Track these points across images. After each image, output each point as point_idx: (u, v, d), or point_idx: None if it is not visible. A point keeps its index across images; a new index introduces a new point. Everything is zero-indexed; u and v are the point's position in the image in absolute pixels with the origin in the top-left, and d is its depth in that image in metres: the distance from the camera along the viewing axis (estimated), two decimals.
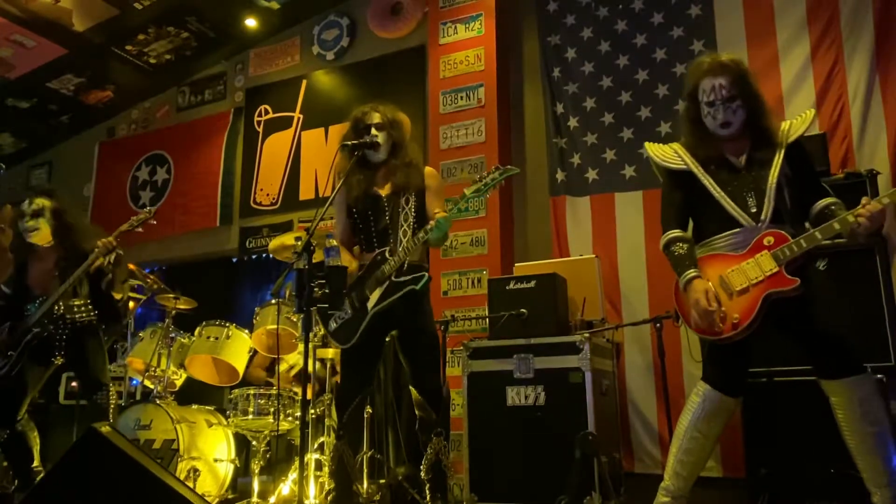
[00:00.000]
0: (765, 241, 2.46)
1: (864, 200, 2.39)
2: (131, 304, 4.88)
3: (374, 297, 2.99)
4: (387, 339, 3.23)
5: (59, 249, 3.76)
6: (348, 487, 3.16)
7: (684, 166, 2.63)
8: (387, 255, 3.01)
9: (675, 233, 2.61)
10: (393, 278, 2.96)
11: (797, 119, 2.63)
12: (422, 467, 3.00)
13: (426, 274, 2.96)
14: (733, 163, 2.59)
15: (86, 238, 3.76)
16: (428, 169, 3.21)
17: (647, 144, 2.78)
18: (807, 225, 2.55)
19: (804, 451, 3.14)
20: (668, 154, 2.70)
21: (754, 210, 2.49)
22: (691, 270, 2.51)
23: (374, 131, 3.10)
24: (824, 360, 2.42)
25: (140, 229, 3.74)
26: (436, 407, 3.00)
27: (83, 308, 3.69)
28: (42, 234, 3.75)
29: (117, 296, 3.82)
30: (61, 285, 3.61)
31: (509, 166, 2.92)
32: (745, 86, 2.57)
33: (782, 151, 2.54)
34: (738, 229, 2.51)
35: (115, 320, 3.83)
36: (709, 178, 2.58)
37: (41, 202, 3.80)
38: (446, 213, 2.87)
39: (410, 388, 3.05)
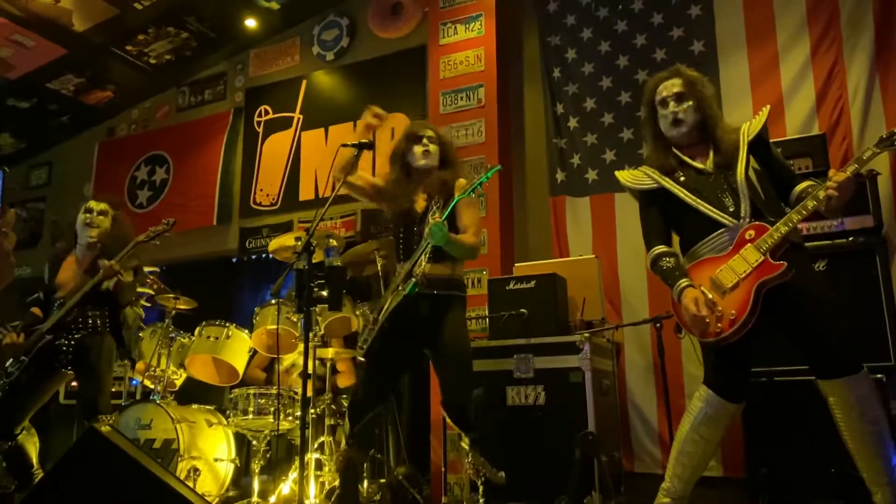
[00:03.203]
0: (746, 236, 2.50)
1: (830, 173, 2.44)
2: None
3: (385, 305, 3.01)
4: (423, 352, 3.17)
5: (95, 254, 3.77)
6: (355, 490, 3.16)
7: (655, 185, 2.70)
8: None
9: (660, 248, 2.67)
10: (400, 287, 2.96)
11: (756, 118, 2.69)
12: (469, 476, 3.00)
13: (413, 280, 2.88)
14: (700, 168, 2.65)
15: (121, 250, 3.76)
16: (459, 181, 3.07)
17: (617, 173, 2.87)
18: (786, 210, 2.58)
19: (804, 451, 3.14)
20: (638, 177, 2.78)
21: (732, 209, 2.54)
22: (682, 280, 2.56)
23: (425, 141, 3.14)
24: (821, 360, 2.43)
25: (157, 242, 3.75)
26: (463, 421, 2.97)
27: (98, 317, 3.70)
28: (98, 231, 3.80)
29: (122, 319, 3.81)
30: (75, 297, 3.61)
31: (492, 165, 2.91)
32: (698, 91, 2.67)
33: (745, 148, 2.61)
34: (721, 230, 2.55)
35: (119, 340, 3.82)
36: (681, 189, 2.64)
37: (106, 206, 3.89)
38: (438, 220, 2.80)
39: (441, 403, 3.03)
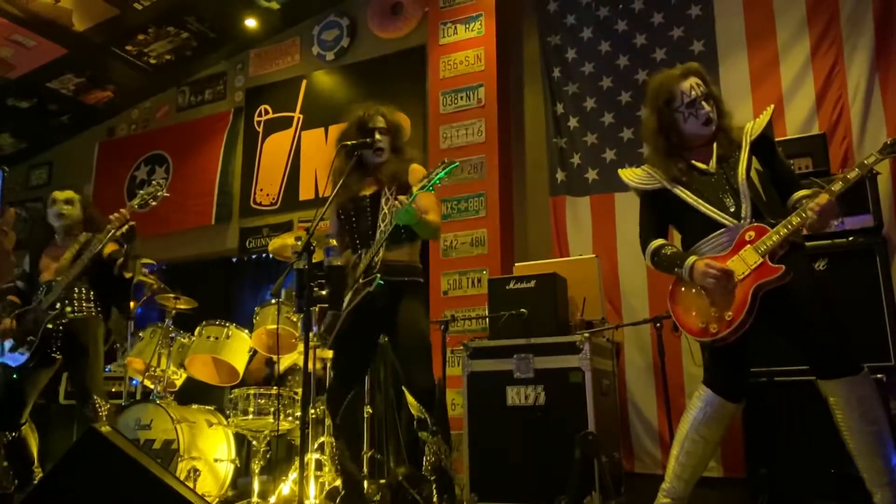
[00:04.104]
0: (746, 237, 2.50)
1: (814, 191, 2.45)
2: (132, 303, 4.88)
3: (347, 298, 2.98)
4: (382, 341, 3.20)
5: (77, 240, 3.77)
6: (357, 489, 3.16)
7: (658, 185, 2.70)
8: (362, 256, 3.00)
9: (658, 241, 2.69)
10: (361, 280, 2.94)
11: (759, 117, 2.69)
12: (424, 469, 3.00)
13: (377, 276, 2.87)
14: (703, 168, 2.65)
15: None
16: (413, 166, 3.12)
17: (620, 171, 2.86)
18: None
19: (804, 451, 3.14)
20: (641, 176, 2.77)
21: (733, 209, 2.54)
22: (691, 257, 2.56)
23: (378, 136, 3.08)
24: (821, 361, 2.42)
25: (154, 202, 3.68)
26: (428, 406, 2.95)
27: (83, 299, 3.68)
28: (72, 217, 3.82)
29: (128, 275, 3.79)
30: (72, 269, 3.62)
31: (451, 160, 2.88)
32: (714, 89, 2.70)
33: (747, 148, 2.61)
34: (721, 230, 2.55)
35: (124, 301, 3.81)
36: (683, 189, 2.64)
37: (71, 194, 3.90)
38: (403, 199, 2.81)
39: (403, 388, 3.04)
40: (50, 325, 3.60)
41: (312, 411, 3.96)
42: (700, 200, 2.59)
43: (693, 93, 2.65)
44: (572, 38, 5.21)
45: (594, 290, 4.03)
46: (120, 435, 2.44)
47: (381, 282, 2.86)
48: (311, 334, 3.59)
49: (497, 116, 5.09)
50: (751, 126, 2.66)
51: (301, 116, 6.29)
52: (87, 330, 3.66)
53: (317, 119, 6.19)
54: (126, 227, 3.60)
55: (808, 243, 3.03)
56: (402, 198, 2.85)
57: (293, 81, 6.40)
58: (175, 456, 3.94)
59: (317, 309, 3.61)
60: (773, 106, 2.76)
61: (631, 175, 2.80)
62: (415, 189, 2.84)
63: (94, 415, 3.51)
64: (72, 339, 3.62)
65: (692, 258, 2.56)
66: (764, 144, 2.64)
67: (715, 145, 2.67)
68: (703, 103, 2.64)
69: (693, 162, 2.67)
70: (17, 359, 3.62)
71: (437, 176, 2.79)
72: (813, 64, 4.38)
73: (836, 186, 2.41)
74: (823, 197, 2.40)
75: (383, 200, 3.00)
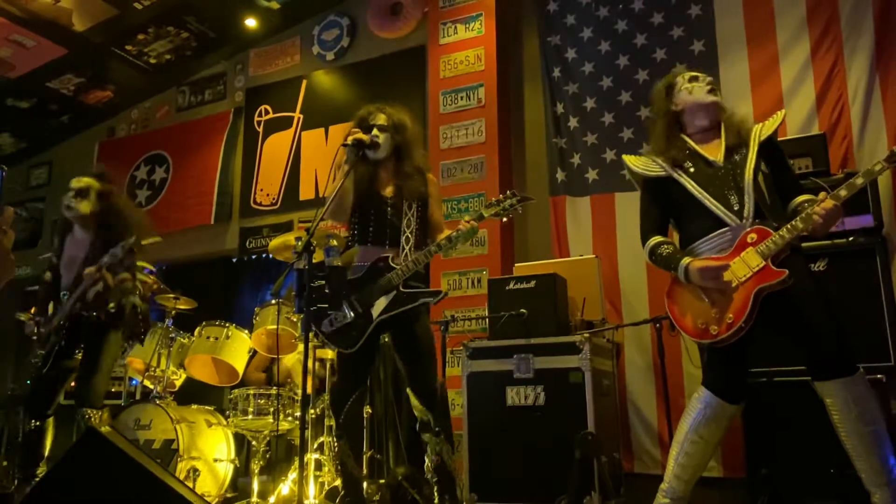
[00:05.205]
0: (748, 239, 2.49)
1: (821, 195, 2.46)
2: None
3: (380, 305, 2.97)
4: (385, 340, 3.22)
5: (95, 236, 3.76)
6: (357, 489, 3.16)
7: (663, 172, 2.69)
8: (391, 262, 2.99)
9: (657, 238, 2.68)
10: (401, 288, 2.96)
11: (769, 120, 2.70)
12: (427, 469, 3.01)
13: (442, 291, 3.05)
14: (711, 160, 2.63)
15: (126, 229, 3.70)
16: (429, 176, 3.23)
17: (624, 157, 2.87)
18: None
19: (804, 451, 3.14)
20: (645, 163, 2.76)
21: (737, 207, 2.54)
22: (685, 259, 2.56)
23: (375, 132, 3.10)
24: (816, 362, 2.43)
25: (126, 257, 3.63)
26: (431, 407, 2.99)
27: (98, 300, 3.68)
28: (79, 211, 3.76)
29: (140, 303, 3.82)
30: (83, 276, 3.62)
31: (527, 195, 3.04)
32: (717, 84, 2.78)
33: (755, 149, 2.61)
34: (724, 229, 2.54)
35: (133, 330, 3.83)
36: (689, 179, 2.62)
37: (88, 182, 3.83)
38: (474, 224, 2.95)
39: (408, 390, 3.05)
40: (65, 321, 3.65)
41: (312, 411, 3.96)
42: (705, 194, 2.58)
43: (693, 72, 2.75)
44: (572, 38, 5.21)
45: (594, 290, 4.03)
46: (120, 435, 2.45)
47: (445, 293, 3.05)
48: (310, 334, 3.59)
49: (497, 116, 5.09)
50: (760, 128, 2.66)
51: (301, 116, 6.29)
52: (102, 340, 3.70)
53: (317, 119, 6.18)
54: (100, 284, 3.56)
55: (808, 244, 3.04)
56: (473, 222, 2.97)
57: (293, 81, 6.40)
58: (175, 456, 3.94)
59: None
60: (784, 111, 2.79)
61: (635, 161, 2.80)
62: (486, 213, 2.97)
63: (84, 425, 3.53)
64: (91, 339, 3.68)
65: (686, 260, 2.55)
66: (771, 148, 2.64)
67: (724, 136, 2.66)
68: (703, 76, 2.73)
69: (700, 151, 2.66)
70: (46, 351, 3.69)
71: (511, 207, 2.97)
72: (813, 64, 4.38)
73: (843, 192, 2.41)
74: (829, 202, 2.40)
75: (406, 206, 3.08)
